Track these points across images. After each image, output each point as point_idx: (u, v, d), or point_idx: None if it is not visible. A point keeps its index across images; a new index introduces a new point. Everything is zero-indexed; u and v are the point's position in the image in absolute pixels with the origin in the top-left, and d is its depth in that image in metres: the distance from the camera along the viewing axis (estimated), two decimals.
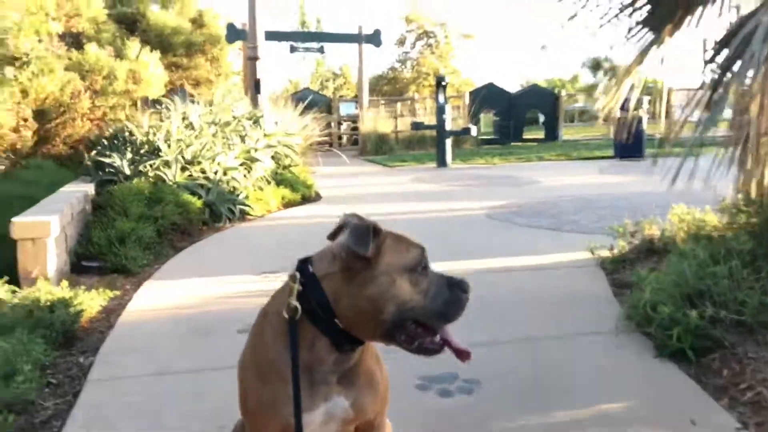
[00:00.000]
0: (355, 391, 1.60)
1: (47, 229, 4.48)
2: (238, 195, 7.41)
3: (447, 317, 1.52)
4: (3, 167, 9.36)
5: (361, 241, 1.46)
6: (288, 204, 8.28)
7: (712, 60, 3.27)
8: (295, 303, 1.51)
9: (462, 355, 1.56)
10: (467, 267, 4.88)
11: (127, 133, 7.68)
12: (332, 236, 1.62)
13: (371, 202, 8.40)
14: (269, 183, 8.46)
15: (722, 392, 2.66)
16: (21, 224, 4.48)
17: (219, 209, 6.92)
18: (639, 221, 4.91)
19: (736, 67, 2.99)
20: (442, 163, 13.09)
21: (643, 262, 4.60)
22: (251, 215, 7.38)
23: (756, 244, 3.51)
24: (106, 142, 7.70)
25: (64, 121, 13.29)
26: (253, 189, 7.94)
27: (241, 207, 7.25)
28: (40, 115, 12.08)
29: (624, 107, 5.86)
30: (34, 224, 4.50)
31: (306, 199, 8.75)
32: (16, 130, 10.53)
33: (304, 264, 1.58)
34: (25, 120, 10.97)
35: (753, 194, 3.26)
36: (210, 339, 3.48)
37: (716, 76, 3.17)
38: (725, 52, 3.20)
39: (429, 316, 1.51)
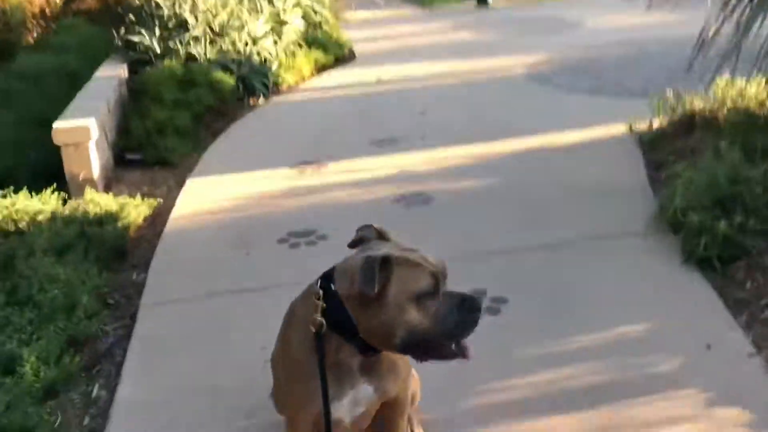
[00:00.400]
0: (378, 379, 1.74)
1: (87, 133, 4.60)
2: (270, 66, 7.30)
3: (456, 337, 1.59)
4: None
5: (367, 281, 1.52)
6: (321, 67, 8.12)
7: None
8: (320, 319, 1.61)
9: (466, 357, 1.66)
10: (502, 149, 4.87)
11: (153, 5, 7.49)
12: (352, 245, 1.69)
13: (406, 61, 8.17)
14: (300, 47, 8.25)
15: (743, 307, 2.73)
16: (62, 131, 4.60)
17: (252, 83, 6.87)
18: (680, 94, 4.74)
19: None
20: (482, 1, 12.42)
21: (682, 138, 4.50)
22: (285, 85, 7.31)
23: None
24: (133, 17, 7.54)
25: None
26: (284, 56, 7.78)
27: (274, 78, 7.17)
28: None
29: None
30: (74, 130, 4.61)
31: (340, 60, 8.55)
32: None
33: (326, 280, 1.66)
34: None
35: None
36: (252, 251, 3.64)
37: None
38: None
39: (439, 337, 1.59)
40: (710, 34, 3.62)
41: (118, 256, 3.73)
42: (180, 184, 4.83)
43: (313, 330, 1.63)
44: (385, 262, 1.57)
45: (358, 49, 9.11)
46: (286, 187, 4.54)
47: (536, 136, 5.04)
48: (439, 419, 2.27)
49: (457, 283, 3.01)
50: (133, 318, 3.14)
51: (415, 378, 2.10)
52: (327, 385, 1.64)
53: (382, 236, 1.74)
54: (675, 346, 2.53)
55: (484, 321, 2.75)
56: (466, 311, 1.58)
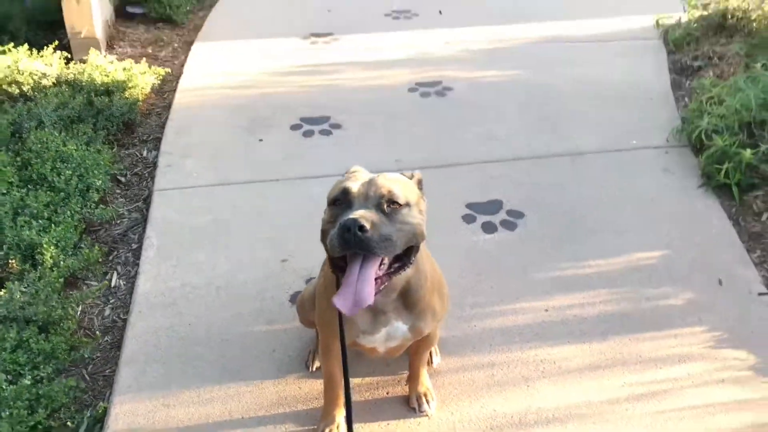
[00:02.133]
0: (413, 319, 1.78)
1: None
2: None
3: (332, 247, 1.54)
4: None
5: None
6: None
7: None
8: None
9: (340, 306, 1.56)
10: (525, 35, 4.68)
11: None
12: None
13: None
14: None
15: (757, 242, 2.76)
16: None
17: None
18: None
19: None
20: None
21: (711, 40, 4.33)
22: None
23: None
24: None
25: None
26: None
27: None
28: None
29: None
30: None
31: None
32: None
33: None
34: None
35: None
36: (265, 137, 3.56)
37: None
38: None
39: (326, 243, 1.59)
40: None
41: (127, 130, 3.65)
42: (186, 46, 4.65)
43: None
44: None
45: None
46: (298, 62, 4.36)
47: (560, 22, 4.84)
48: (455, 338, 2.34)
49: (472, 188, 3.03)
50: (146, 201, 3.12)
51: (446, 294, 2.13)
52: (341, 314, 1.68)
53: None
54: (687, 279, 2.57)
55: (500, 236, 2.81)
56: (341, 228, 1.50)
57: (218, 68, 4.30)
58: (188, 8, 5.22)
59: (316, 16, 5.03)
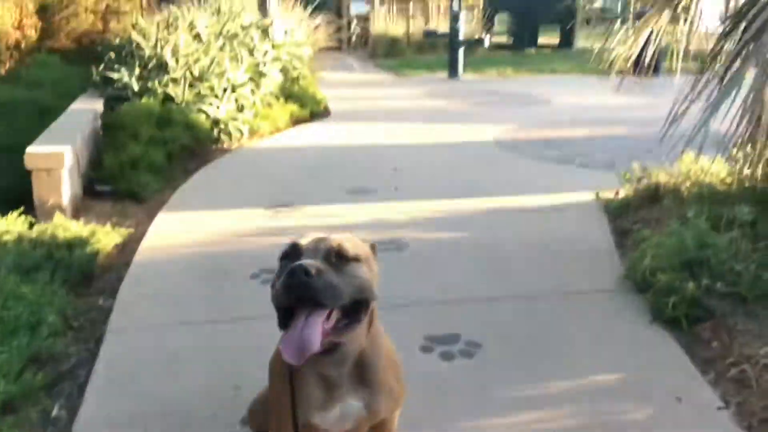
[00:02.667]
0: (369, 396, 1.73)
1: (61, 160, 4.55)
2: (246, 112, 7.39)
3: (277, 298, 1.55)
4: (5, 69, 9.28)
5: None
6: (297, 121, 8.24)
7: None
8: None
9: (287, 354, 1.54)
10: (472, 207, 4.97)
11: (134, 46, 7.56)
12: None
13: (381, 120, 8.37)
14: (278, 99, 8.40)
15: (710, 366, 2.80)
16: (35, 155, 4.54)
17: (227, 128, 6.93)
18: (647, 167, 4.94)
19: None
20: (453, 73, 12.86)
21: (647, 208, 4.66)
22: (260, 134, 7.39)
23: (758, 210, 3.58)
24: (112, 55, 7.58)
25: (68, 15, 13.00)
26: (261, 106, 7.89)
27: (250, 125, 7.25)
28: (43, 9, 11.82)
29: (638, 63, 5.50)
30: (48, 155, 4.56)
31: (315, 115, 8.69)
32: (19, 26, 10.36)
33: None
34: (29, 16, 10.77)
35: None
36: (224, 284, 3.61)
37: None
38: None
39: (274, 301, 1.59)
40: (678, 111, 3.80)
41: (85, 281, 3.65)
42: (150, 218, 4.78)
43: None
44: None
45: (333, 107, 9.29)
46: (260, 226, 4.53)
47: (505, 197, 5.17)
48: None
49: (429, 324, 3.06)
50: (98, 342, 3.06)
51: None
52: (294, 388, 1.66)
53: None
54: (646, 396, 2.57)
55: (458, 363, 2.79)
56: (286, 273, 1.52)
57: (181, 231, 4.44)
58: (156, 187, 5.46)
59: (279, 191, 5.31)
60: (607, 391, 2.61)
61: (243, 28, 8.93)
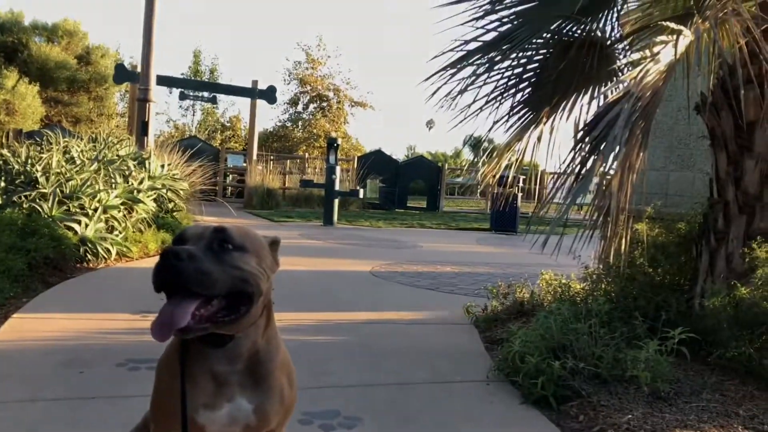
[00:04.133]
0: (259, 398, 1.67)
1: None
2: (116, 235, 7.20)
3: (154, 284, 1.51)
4: None
5: None
6: None
7: (582, 140, 3.68)
8: None
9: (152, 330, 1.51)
10: (351, 318, 5.02)
11: (1, 162, 7.33)
12: None
13: None
14: (150, 226, 8.27)
15: None
16: None
17: (95, 247, 6.69)
18: (511, 284, 5.28)
19: (601, 147, 3.39)
20: (328, 221, 13.28)
21: (513, 322, 4.91)
22: (128, 257, 7.18)
23: (612, 307, 3.90)
24: None
25: None
26: (132, 230, 7.74)
27: (119, 247, 7.04)
28: None
29: (501, 183, 6.36)
30: None
31: None
32: None
33: None
34: None
35: (611, 260, 3.64)
36: (87, 370, 3.36)
37: (584, 154, 3.57)
38: (593, 134, 3.61)
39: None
40: (544, 206, 4.19)
41: None
42: (3, 320, 4.43)
43: None
44: None
45: None
46: (126, 327, 4.32)
47: (381, 312, 5.28)
48: None
49: (306, 404, 2.99)
50: None
51: None
52: (185, 376, 1.59)
53: None
54: None
55: None
56: (160, 256, 1.50)
57: (39, 329, 4.13)
58: (12, 293, 5.09)
59: (146, 301, 5.09)
60: None
61: (119, 157, 8.94)
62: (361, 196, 15.60)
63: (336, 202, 13.54)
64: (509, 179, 4.96)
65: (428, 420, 3.02)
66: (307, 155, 25.47)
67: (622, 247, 3.41)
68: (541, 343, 3.49)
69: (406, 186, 21.76)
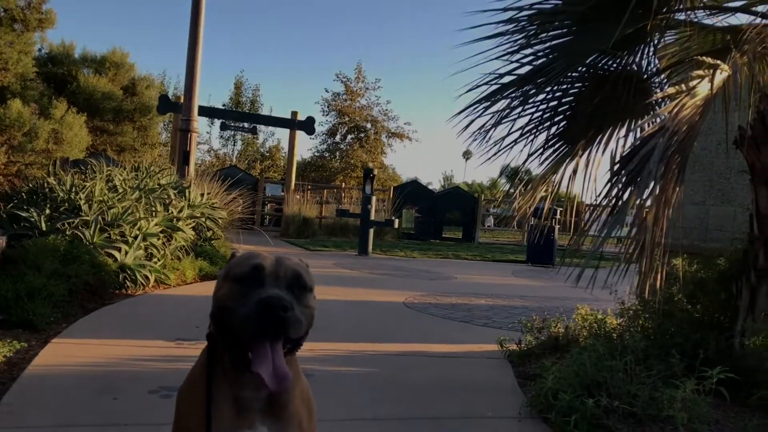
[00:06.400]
0: (280, 426, 1.68)
1: None
2: (155, 262, 7.33)
3: (243, 327, 1.51)
4: None
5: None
6: (205, 276, 8.21)
7: (617, 173, 3.64)
8: (209, 328, 1.65)
9: (264, 384, 1.53)
10: (383, 350, 5.01)
11: (47, 189, 7.55)
12: None
13: None
14: (188, 254, 8.40)
15: None
16: None
17: (134, 274, 6.81)
18: (546, 319, 5.20)
19: (636, 181, 3.35)
20: (363, 251, 13.31)
21: (548, 357, 4.83)
22: (166, 284, 7.29)
23: (649, 344, 3.82)
24: (24, 196, 7.53)
25: None
26: (171, 258, 7.87)
27: (157, 274, 7.16)
28: None
29: (537, 215, 6.32)
30: None
31: None
32: None
33: None
34: None
35: (647, 296, 3.57)
36: (119, 397, 3.41)
37: (620, 188, 3.53)
38: (628, 168, 3.58)
39: (233, 322, 1.53)
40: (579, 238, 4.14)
41: None
42: (44, 344, 4.53)
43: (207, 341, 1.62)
44: (233, 254, 1.68)
45: None
46: (161, 354, 4.37)
47: (413, 344, 5.25)
48: None
49: None
50: None
51: None
52: (212, 396, 1.60)
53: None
54: None
55: None
56: (263, 305, 1.49)
57: (76, 354, 4.21)
58: (52, 319, 5.21)
59: (183, 329, 5.17)
60: None
61: (160, 185, 9.14)
62: (396, 226, 15.61)
63: (371, 231, 13.58)
64: (545, 211, 4.92)
65: None
66: (343, 185, 25.66)
67: (658, 282, 3.35)
68: (574, 379, 3.43)
69: (442, 216, 21.73)
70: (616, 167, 3.92)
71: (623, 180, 3.56)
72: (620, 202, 3.43)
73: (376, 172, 14.85)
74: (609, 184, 3.73)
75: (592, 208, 4.24)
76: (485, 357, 5.04)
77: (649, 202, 3.24)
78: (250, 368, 1.53)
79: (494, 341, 5.33)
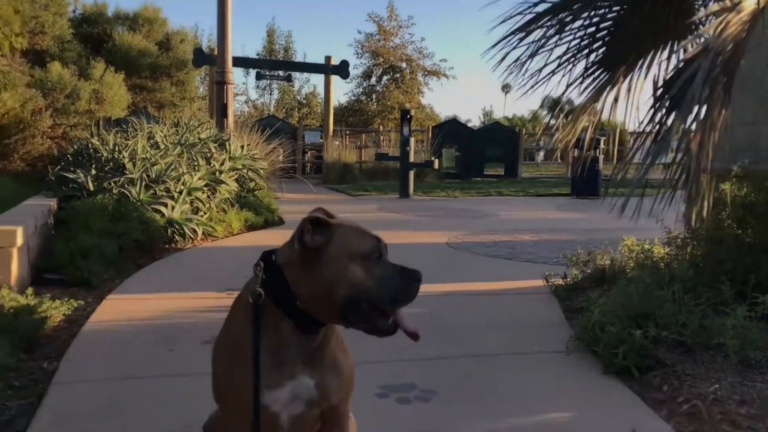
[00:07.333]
0: (320, 373, 1.71)
1: (13, 238, 4.50)
2: (201, 215, 7.47)
3: (397, 301, 1.66)
4: None
5: (301, 236, 1.64)
6: (251, 227, 8.34)
7: (660, 98, 3.52)
8: (259, 290, 1.65)
9: (413, 336, 1.70)
10: (428, 290, 5.02)
11: (91, 150, 7.70)
12: None
13: None
14: (233, 205, 8.52)
15: (661, 405, 2.83)
16: None
17: (182, 228, 6.96)
18: (592, 251, 5.15)
19: (680, 106, 3.23)
20: (404, 194, 13.31)
21: (594, 290, 4.80)
22: (214, 236, 7.43)
23: (697, 273, 3.75)
24: (70, 158, 7.70)
25: (24, 138, 13.18)
26: (216, 210, 8.00)
27: (204, 227, 7.30)
28: None
29: (579, 146, 6.15)
30: (0, 232, 4.51)
31: (269, 223, 8.81)
32: None
33: (269, 254, 1.71)
34: None
35: (694, 223, 3.49)
36: (174, 348, 3.53)
37: (663, 113, 3.42)
38: (671, 93, 3.45)
39: (380, 300, 1.65)
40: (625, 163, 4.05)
41: (30, 347, 3.52)
42: (100, 300, 4.69)
43: (251, 301, 1.65)
44: (316, 220, 1.65)
45: (287, 217, 9.42)
46: (212, 305, 4.49)
47: (458, 283, 5.27)
48: None
49: (383, 378, 3.04)
50: (40, 397, 2.92)
51: (352, 421, 2.05)
52: (260, 360, 1.63)
53: (330, 216, 1.83)
54: (601, 430, 2.58)
55: (416, 407, 2.76)
56: (408, 278, 1.67)
57: (131, 308, 4.36)
58: (106, 276, 5.38)
59: (232, 279, 5.27)
60: (562, 427, 2.61)
61: (201, 140, 9.22)
62: (435, 167, 15.52)
63: (411, 174, 13.53)
64: (588, 141, 4.79)
65: (505, 392, 3.01)
66: (381, 128, 25.50)
67: (705, 209, 3.26)
68: (621, 311, 3.41)
69: (483, 154, 21.47)
70: (658, 92, 3.80)
71: (666, 105, 3.44)
72: (664, 129, 3.33)
73: (413, 112, 14.69)
74: (652, 110, 3.62)
75: (635, 135, 4.13)
76: (531, 293, 5.04)
77: (694, 127, 3.13)
78: (391, 331, 1.72)
79: (540, 277, 5.30)
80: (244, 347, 1.67)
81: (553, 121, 5.47)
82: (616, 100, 4.35)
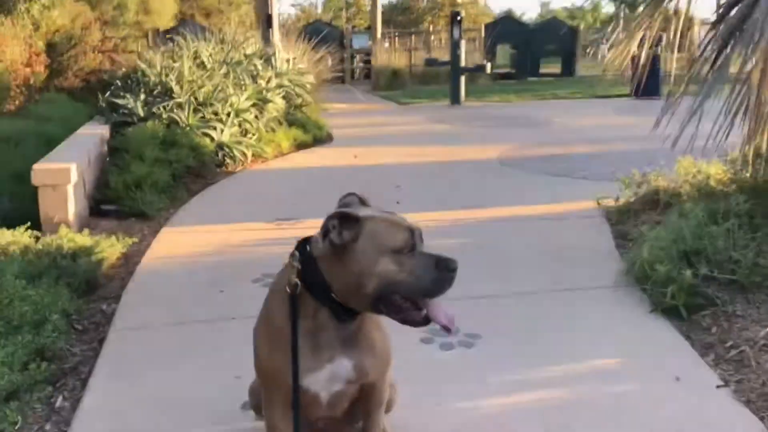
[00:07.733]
0: (357, 354, 1.75)
1: (67, 176, 4.63)
2: (250, 137, 7.50)
3: (431, 294, 1.64)
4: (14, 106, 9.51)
5: (329, 230, 1.62)
6: (300, 145, 8.35)
7: (719, 21, 3.27)
8: (295, 280, 1.66)
9: (446, 329, 1.69)
10: (476, 216, 5.01)
11: (139, 74, 7.73)
12: None
13: (383, 144, 8.46)
14: (281, 124, 8.52)
15: (709, 349, 2.80)
16: (41, 171, 4.63)
17: (232, 151, 7.02)
18: (646, 172, 4.97)
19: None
20: (455, 100, 13.03)
21: (647, 213, 4.68)
22: (263, 157, 7.48)
23: (756, 204, 3.59)
24: (119, 83, 7.76)
25: (76, 54, 13.30)
26: (264, 130, 8.00)
27: (254, 149, 7.34)
28: (51, 48, 12.11)
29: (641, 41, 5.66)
30: (54, 171, 4.64)
31: (318, 141, 8.80)
32: (28, 64, 10.62)
33: (303, 244, 1.71)
34: (38, 54, 11.05)
35: (751, 162, 3.30)
36: (226, 289, 3.64)
37: (721, 41, 3.18)
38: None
39: (413, 292, 1.63)
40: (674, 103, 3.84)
41: (89, 288, 3.68)
42: (155, 234, 4.84)
43: (288, 291, 1.67)
44: (346, 216, 1.62)
45: (336, 133, 9.41)
46: (262, 237, 4.58)
47: (507, 207, 5.21)
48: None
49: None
50: (101, 342, 3.09)
51: (394, 386, 2.11)
52: (298, 348, 1.67)
53: (363, 203, 1.81)
54: (645, 377, 2.58)
55: (458, 352, 2.80)
56: (443, 269, 1.63)
57: (184, 243, 4.50)
58: (160, 205, 5.51)
59: (282, 207, 5.36)
60: (606, 373, 2.62)
61: (246, 56, 9.12)
62: (488, 71, 15.05)
63: (462, 78, 13.17)
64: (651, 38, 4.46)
65: (551, 332, 3.01)
66: (431, 27, 24.69)
67: (764, 146, 3.08)
68: (671, 248, 3.32)
69: (539, 51, 20.66)
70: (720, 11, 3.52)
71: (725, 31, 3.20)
72: (722, 56, 3.11)
73: (463, 14, 14.11)
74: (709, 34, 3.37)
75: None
76: (582, 216, 4.95)
77: (756, 56, 2.92)
78: (424, 324, 1.68)
79: (592, 196, 5.19)
80: (283, 335, 1.70)
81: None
82: None
